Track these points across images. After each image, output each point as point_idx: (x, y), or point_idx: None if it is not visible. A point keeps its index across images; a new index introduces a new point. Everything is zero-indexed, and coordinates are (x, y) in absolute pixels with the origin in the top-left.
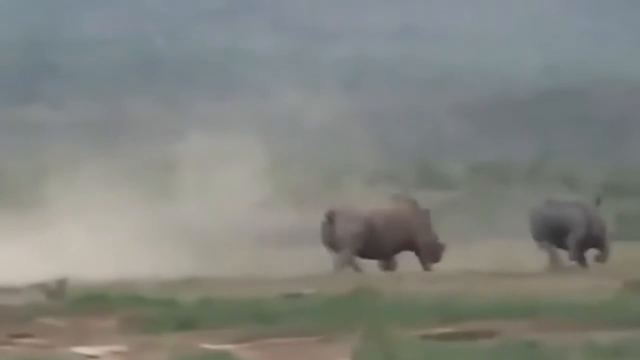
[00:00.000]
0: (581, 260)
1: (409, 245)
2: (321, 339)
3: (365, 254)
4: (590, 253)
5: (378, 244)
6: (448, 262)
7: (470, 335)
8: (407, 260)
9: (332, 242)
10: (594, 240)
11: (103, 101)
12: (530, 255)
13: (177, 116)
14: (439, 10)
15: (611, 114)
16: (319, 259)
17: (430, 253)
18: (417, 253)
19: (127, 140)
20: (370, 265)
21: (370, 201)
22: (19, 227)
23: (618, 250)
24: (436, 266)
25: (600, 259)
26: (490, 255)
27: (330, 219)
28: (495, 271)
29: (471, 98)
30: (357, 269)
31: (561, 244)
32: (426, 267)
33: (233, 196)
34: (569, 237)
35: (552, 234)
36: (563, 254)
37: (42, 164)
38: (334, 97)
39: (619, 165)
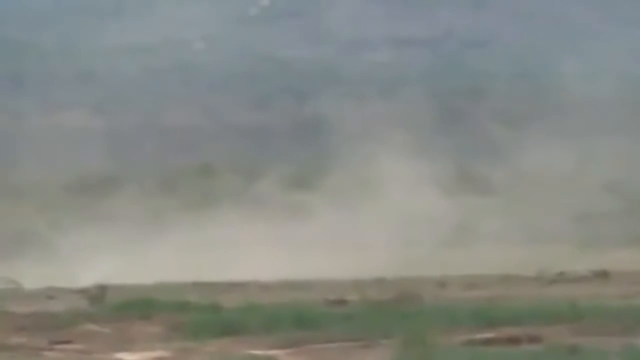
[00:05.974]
0: None
1: None
2: (363, 345)
3: None
4: None
5: None
6: (489, 267)
7: (513, 341)
8: None
9: None
10: None
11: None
12: (570, 260)
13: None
14: (479, 18)
15: None
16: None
17: None
18: None
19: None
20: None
21: None
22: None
23: None
24: (476, 271)
25: None
26: (530, 260)
27: None
28: (536, 276)
29: (511, 104)
30: None
31: None
32: None
33: None
34: None
35: None
36: None
37: None
38: (372, 104)
39: None
